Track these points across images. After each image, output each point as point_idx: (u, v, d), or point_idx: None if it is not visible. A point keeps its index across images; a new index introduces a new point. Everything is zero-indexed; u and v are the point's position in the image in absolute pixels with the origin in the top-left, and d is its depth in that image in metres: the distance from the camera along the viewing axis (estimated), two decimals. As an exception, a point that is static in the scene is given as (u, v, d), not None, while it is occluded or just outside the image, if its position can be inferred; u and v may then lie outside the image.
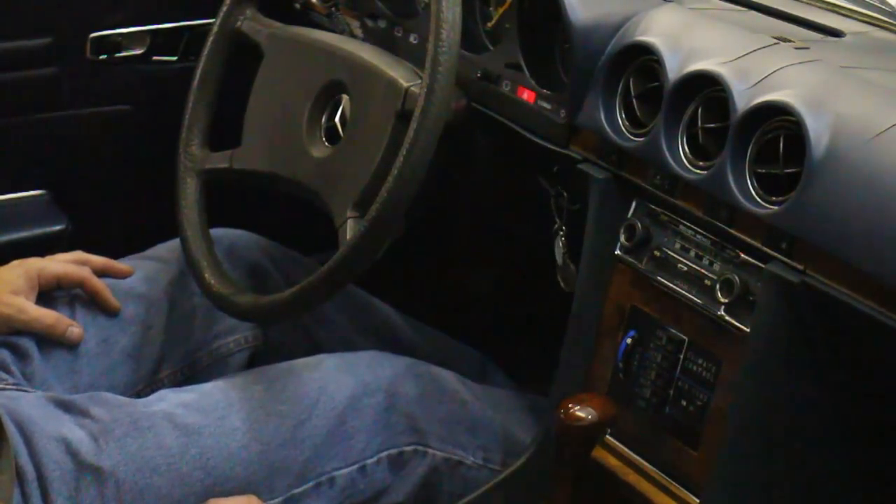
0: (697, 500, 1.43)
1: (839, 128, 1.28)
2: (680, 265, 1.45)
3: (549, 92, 1.58)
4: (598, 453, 1.52)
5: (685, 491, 1.45)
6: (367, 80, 1.58)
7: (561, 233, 1.65)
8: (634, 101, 1.49)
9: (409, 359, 1.68)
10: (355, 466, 1.56)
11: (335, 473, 1.55)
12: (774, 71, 1.37)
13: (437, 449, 1.62)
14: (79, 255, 1.67)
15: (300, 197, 1.64)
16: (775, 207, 1.32)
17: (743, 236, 1.37)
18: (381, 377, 1.61)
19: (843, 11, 1.66)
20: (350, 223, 1.51)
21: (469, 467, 1.64)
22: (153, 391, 1.63)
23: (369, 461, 1.57)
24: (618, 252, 1.52)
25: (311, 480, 1.54)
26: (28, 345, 1.57)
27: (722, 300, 1.39)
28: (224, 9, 1.72)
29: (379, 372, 1.61)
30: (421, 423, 1.61)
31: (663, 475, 1.48)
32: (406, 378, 1.63)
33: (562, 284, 1.68)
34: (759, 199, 1.35)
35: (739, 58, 1.40)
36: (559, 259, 1.67)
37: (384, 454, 1.58)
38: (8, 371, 1.54)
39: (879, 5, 1.69)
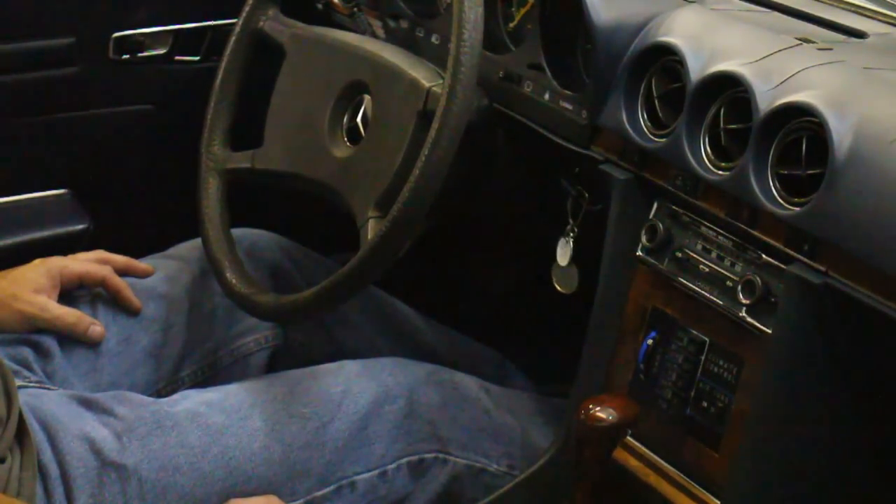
0: (718, 502, 1.43)
1: (862, 129, 1.28)
2: (701, 266, 1.45)
3: (570, 93, 1.58)
4: (619, 454, 1.52)
5: (706, 493, 1.45)
6: (388, 80, 1.58)
7: (572, 234, 1.65)
8: (657, 101, 1.48)
9: (430, 365, 1.68)
10: (376, 472, 1.56)
11: (356, 478, 1.55)
12: (797, 72, 1.36)
13: (458, 456, 1.62)
14: (100, 254, 1.67)
15: (322, 197, 1.64)
16: (797, 209, 1.32)
17: (765, 237, 1.36)
18: (402, 383, 1.60)
19: (866, 12, 1.65)
20: (371, 223, 1.52)
21: (493, 475, 1.64)
22: (174, 390, 1.63)
23: (390, 467, 1.57)
24: (639, 253, 1.51)
25: (332, 484, 1.54)
26: (50, 343, 1.57)
27: (744, 301, 1.38)
28: (246, 9, 1.72)
29: (401, 378, 1.61)
30: (442, 430, 1.61)
31: (684, 476, 1.47)
32: (428, 385, 1.63)
33: (556, 285, 1.68)
34: (781, 201, 1.34)
35: (762, 59, 1.40)
36: (562, 260, 1.66)
37: (404, 460, 1.58)
38: (30, 369, 1.55)
39: (903, 6, 1.69)
